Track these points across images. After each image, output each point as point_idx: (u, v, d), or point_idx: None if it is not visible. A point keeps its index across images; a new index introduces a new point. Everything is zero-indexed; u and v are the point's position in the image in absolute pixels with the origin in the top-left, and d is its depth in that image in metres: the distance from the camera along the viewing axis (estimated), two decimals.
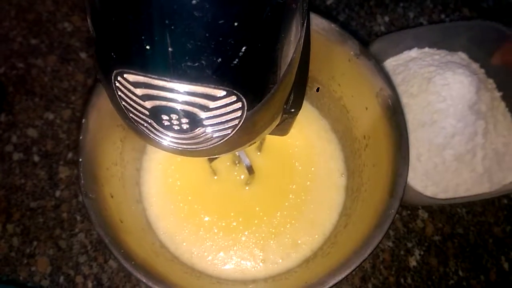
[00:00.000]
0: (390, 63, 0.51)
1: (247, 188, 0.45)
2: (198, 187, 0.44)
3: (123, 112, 0.20)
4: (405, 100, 0.46)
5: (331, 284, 0.31)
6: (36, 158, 0.50)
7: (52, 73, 0.54)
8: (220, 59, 0.16)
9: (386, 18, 0.60)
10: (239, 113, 0.19)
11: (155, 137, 0.21)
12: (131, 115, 0.20)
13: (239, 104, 0.19)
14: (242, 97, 0.18)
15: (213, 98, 0.18)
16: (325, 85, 0.41)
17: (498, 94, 0.51)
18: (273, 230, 0.43)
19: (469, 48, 0.53)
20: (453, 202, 0.46)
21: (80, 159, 0.31)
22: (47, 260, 0.47)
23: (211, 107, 0.18)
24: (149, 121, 0.20)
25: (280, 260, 0.42)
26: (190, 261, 0.41)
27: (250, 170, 0.40)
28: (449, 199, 0.45)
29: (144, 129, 0.21)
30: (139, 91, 0.18)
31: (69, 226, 0.48)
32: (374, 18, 0.60)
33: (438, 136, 0.44)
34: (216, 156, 0.28)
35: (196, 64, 0.16)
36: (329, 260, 0.37)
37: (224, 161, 0.44)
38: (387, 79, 0.34)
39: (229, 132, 0.21)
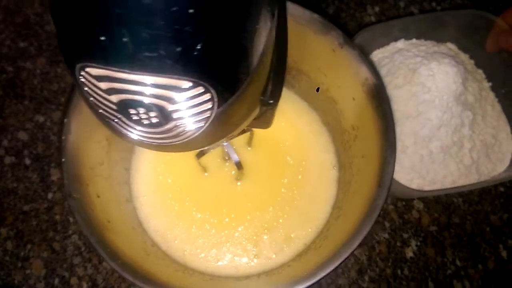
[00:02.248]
0: (376, 55, 0.50)
1: (238, 183, 0.44)
2: (189, 184, 0.44)
3: (92, 108, 0.20)
4: (390, 91, 0.46)
5: (320, 276, 0.31)
6: (27, 161, 0.50)
7: (41, 75, 0.54)
8: (179, 49, 0.16)
9: (377, 9, 0.60)
10: (209, 105, 0.19)
11: (128, 133, 0.21)
12: (100, 110, 0.20)
13: (207, 96, 0.18)
14: (210, 88, 0.18)
15: (179, 89, 0.18)
16: (311, 76, 0.41)
17: (487, 85, 0.51)
18: (265, 225, 0.43)
19: (458, 39, 0.52)
20: (440, 193, 0.46)
21: (63, 160, 0.31)
22: (42, 263, 0.47)
23: (178, 99, 0.18)
24: (119, 116, 0.19)
25: (274, 255, 0.42)
26: (183, 259, 0.41)
27: (239, 165, 0.39)
28: (436, 190, 0.44)
29: (116, 124, 0.20)
30: (103, 85, 0.18)
31: (62, 228, 0.48)
32: (364, 9, 0.59)
33: (423, 128, 0.44)
34: (199, 149, 0.28)
35: (155, 54, 0.16)
36: (320, 253, 0.36)
37: (214, 157, 0.44)
38: (372, 68, 0.34)
39: (202, 125, 0.20)
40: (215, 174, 0.44)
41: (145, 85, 0.17)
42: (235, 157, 0.38)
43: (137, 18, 0.15)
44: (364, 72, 0.35)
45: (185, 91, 0.18)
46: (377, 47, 0.52)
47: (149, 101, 0.18)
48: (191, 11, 0.15)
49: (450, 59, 0.45)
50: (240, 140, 0.44)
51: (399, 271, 0.49)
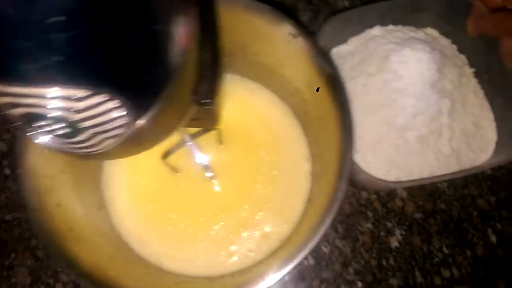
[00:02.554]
0: (351, 42, 0.49)
1: (213, 181, 0.44)
2: (162, 186, 0.43)
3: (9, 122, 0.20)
4: (363, 80, 0.44)
5: (285, 271, 0.31)
6: (7, 171, 0.50)
7: None
8: (60, 58, 0.15)
9: None
10: (120, 112, 0.19)
11: (47, 144, 0.20)
12: (12, 124, 0.19)
13: (114, 103, 0.18)
14: (115, 95, 0.18)
15: (77, 99, 0.17)
16: (274, 69, 0.40)
17: (470, 71, 0.48)
18: (242, 223, 0.42)
19: (439, 23, 0.50)
20: (419, 183, 0.45)
21: (19, 171, 0.31)
22: (27, 271, 0.47)
23: (80, 109, 0.17)
24: (29, 129, 0.19)
25: (251, 253, 0.42)
26: (158, 261, 0.41)
27: (207, 168, 0.39)
28: (413, 180, 0.43)
29: (32, 136, 0.20)
30: (1, 100, 0.17)
31: None
32: None
33: (398, 117, 0.42)
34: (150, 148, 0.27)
35: (40, 65, 0.15)
36: (289, 248, 0.36)
37: (185, 156, 0.43)
38: (326, 58, 0.33)
39: (120, 132, 0.20)
40: (188, 173, 0.44)
41: (42, 98, 0.17)
42: (200, 159, 0.38)
43: (17, 31, 0.15)
44: (319, 62, 0.34)
45: (84, 100, 0.17)
46: (352, 35, 0.50)
47: (51, 113, 0.18)
48: (64, 18, 0.14)
49: (424, 45, 0.43)
50: (209, 138, 0.43)
51: (384, 262, 0.48)
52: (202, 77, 0.24)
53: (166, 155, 0.39)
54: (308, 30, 0.34)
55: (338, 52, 0.49)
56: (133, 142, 0.21)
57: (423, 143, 0.42)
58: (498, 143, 0.46)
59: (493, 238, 0.49)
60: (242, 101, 0.46)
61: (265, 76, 0.44)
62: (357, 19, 0.48)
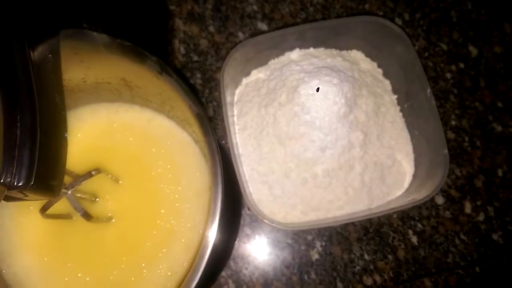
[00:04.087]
0: (269, 67, 0.46)
1: (113, 220, 0.41)
2: (57, 234, 0.40)
3: None
4: (273, 110, 0.42)
5: None
6: None
7: None
8: None
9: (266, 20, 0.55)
10: None
11: None
12: None
13: None
14: None
15: None
16: (160, 98, 0.38)
17: (392, 98, 0.46)
18: (143, 264, 0.40)
19: (363, 46, 0.48)
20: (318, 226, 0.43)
21: None
22: None
23: None
24: None
25: None
26: None
27: (86, 216, 0.37)
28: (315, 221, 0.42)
29: None
30: None
31: None
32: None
33: (307, 150, 0.40)
34: None
35: None
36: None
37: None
38: (192, 95, 0.31)
39: None
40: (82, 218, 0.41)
41: None
42: (80, 210, 0.36)
43: None
44: (186, 100, 0.31)
45: None
46: (272, 57, 0.48)
47: None
48: None
49: (334, 76, 0.41)
50: (103, 178, 0.41)
51: (305, 276, 0.47)
52: (12, 158, 0.21)
53: (44, 209, 0.36)
54: (171, 68, 0.31)
55: (258, 75, 0.47)
56: None
57: (333, 177, 0.41)
58: (416, 176, 0.44)
59: (414, 239, 0.48)
60: (140, 132, 0.43)
61: (158, 104, 0.41)
62: (278, 41, 0.45)
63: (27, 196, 0.24)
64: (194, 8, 0.55)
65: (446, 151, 0.40)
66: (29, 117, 0.22)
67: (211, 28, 0.54)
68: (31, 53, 0.23)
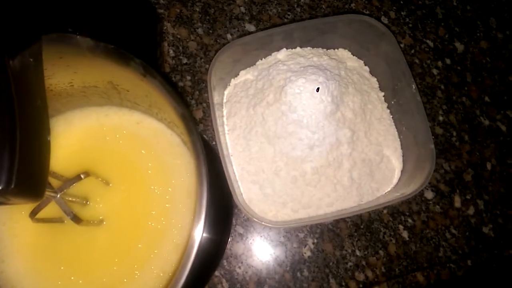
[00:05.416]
0: (257, 67, 0.47)
1: (104, 223, 0.42)
2: (49, 238, 0.41)
3: None
4: (261, 109, 0.43)
5: None
6: None
7: None
8: None
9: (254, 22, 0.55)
10: None
11: None
12: None
13: None
14: None
15: None
16: (147, 101, 0.38)
17: (379, 95, 0.47)
18: (136, 266, 0.40)
19: (350, 45, 0.48)
20: (312, 222, 0.43)
21: None
22: None
23: None
24: None
25: None
26: None
27: (76, 220, 0.37)
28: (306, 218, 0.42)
29: None
30: None
31: None
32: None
33: (296, 149, 0.41)
34: None
35: None
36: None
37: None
38: (176, 96, 0.31)
39: None
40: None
41: None
42: (69, 213, 0.36)
43: None
44: (172, 101, 0.32)
45: None
46: (260, 57, 0.48)
47: None
48: None
49: (320, 75, 0.41)
50: (94, 181, 0.41)
51: (298, 274, 0.47)
52: None
53: (33, 213, 0.37)
54: (157, 69, 0.32)
55: (246, 75, 0.48)
56: None
57: (322, 175, 0.41)
58: (404, 171, 0.44)
59: (405, 234, 0.49)
60: (129, 135, 0.44)
61: (146, 107, 0.42)
62: (265, 41, 0.46)
63: (9, 200, 0.24)
64: (182, 11, 0.55)
65: (433, 145, 0.41)
66: (8, 120, 0.22)
67: (200, 31, 0.55)
68: (12, 57, 0.23)
